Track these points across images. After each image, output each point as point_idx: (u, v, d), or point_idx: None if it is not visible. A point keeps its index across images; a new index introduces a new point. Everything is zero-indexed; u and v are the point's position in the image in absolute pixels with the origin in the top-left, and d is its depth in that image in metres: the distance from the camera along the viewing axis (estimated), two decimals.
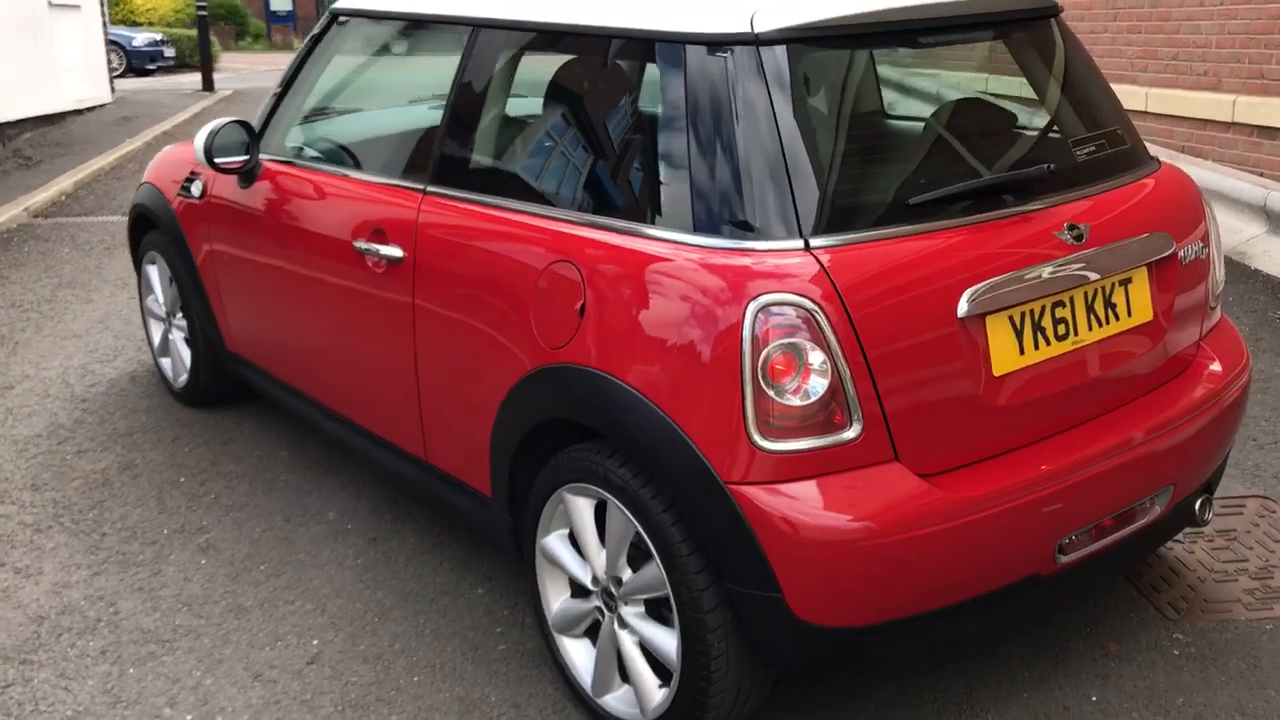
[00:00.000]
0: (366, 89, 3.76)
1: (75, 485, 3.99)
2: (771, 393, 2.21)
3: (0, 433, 4.44)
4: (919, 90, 2.95)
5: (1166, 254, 2.70)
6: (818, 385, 2.22)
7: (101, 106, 13.57)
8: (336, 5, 3.65)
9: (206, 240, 4.08)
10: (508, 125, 2.95)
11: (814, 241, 2.28)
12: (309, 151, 3.62)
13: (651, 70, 2.54)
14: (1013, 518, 2.37)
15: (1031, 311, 2.45)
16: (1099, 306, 2.58)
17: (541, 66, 2.90)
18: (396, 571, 3.40)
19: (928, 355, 2.31)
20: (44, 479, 4.05)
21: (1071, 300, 2.53)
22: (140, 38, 23.84)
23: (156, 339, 4.76)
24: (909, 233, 2.35)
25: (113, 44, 19.06)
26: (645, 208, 2.48)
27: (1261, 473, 3.94)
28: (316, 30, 3.68)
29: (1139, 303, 2.67)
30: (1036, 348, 2.46)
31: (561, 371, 2.53)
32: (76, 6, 12.87)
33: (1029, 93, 2.85)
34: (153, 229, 4.48)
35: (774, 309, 2.20)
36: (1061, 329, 2.51)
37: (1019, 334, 2.43)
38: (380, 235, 3.09)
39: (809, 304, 2.20)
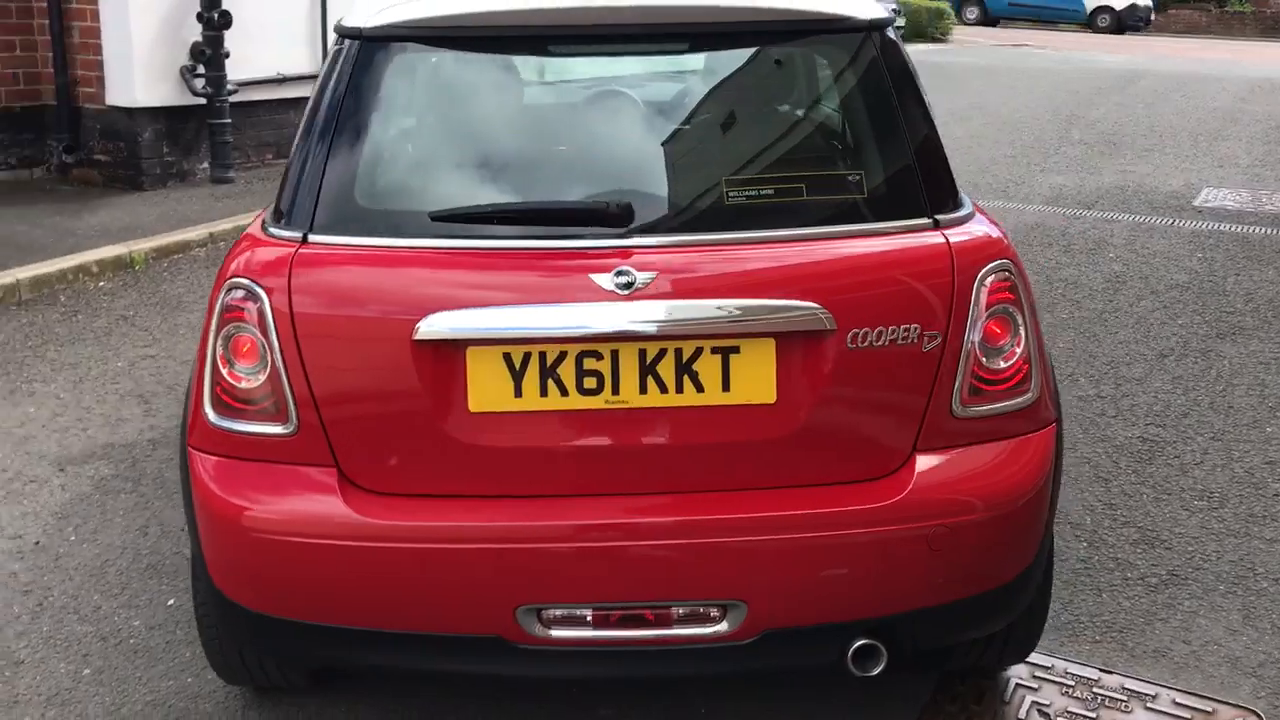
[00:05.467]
0: None
1: None
2: (225, 371, 2.32)
3: None
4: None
5: (806, 331, 2.21)
6: (258, 374, 2.28)
7: None
8: None
9: None
10: None
11: (314, 238, 2.31)
12: None
13: None
14: (443, 561, 2.22)
15: (542, 354, 2.21)
16: (666, 371, 2.22)
17: None
18: None
19: (375, 373, 2.24)
20: None
21: (615, 355, 2.21)
22: None
23: None
24: (412, 246, 2.27)
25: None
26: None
27: None
28: None
29: (750, 379, 2.23)
30: (544, 395, 2.22)
31: None
32: None
33: (740, 118, 2.43)
34: None
35: (236, 292, 2.30)
36: (590, 382, 2.22)
37: (517, 375, 2.22)
38: None
39: (260, 292, 2.26)
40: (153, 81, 7.46)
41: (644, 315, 2.19)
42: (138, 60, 7.37)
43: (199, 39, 7.50)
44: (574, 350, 2.21)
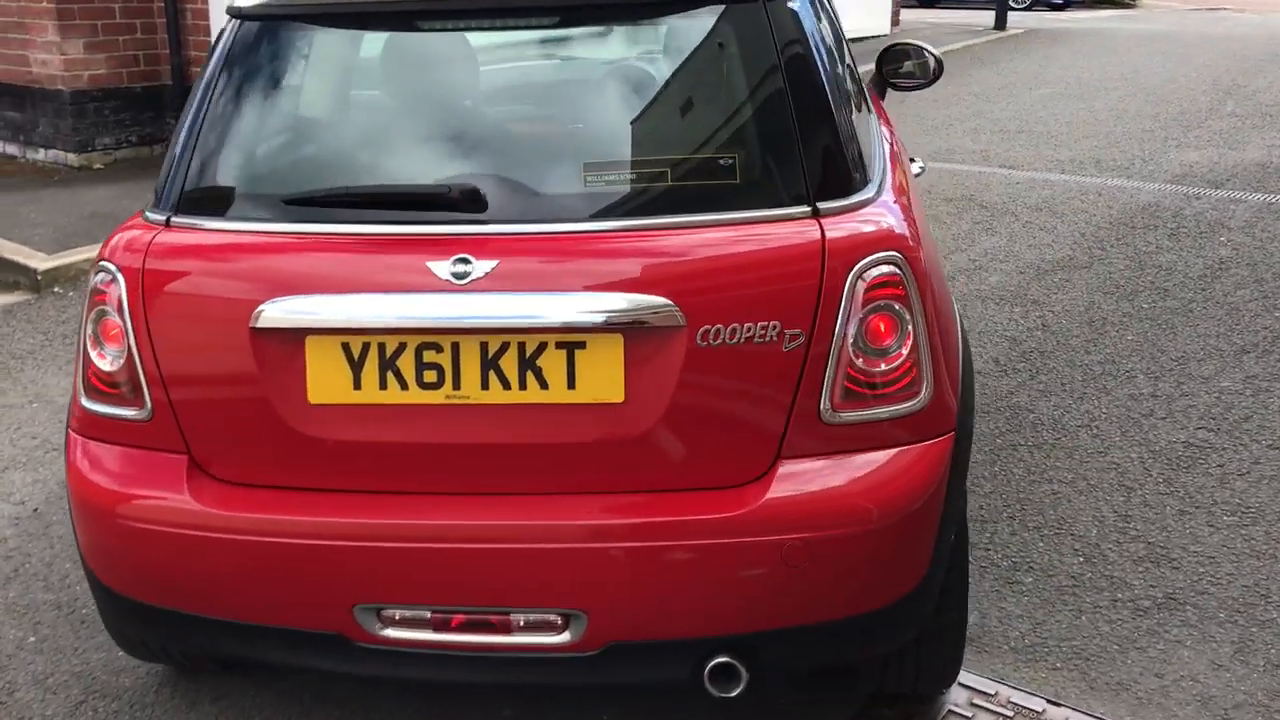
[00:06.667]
0: None
1: None
2: (94, 354, 2.32)
3: None
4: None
5: (655, 326, 2.06)
6: (120, 357, 2.27)
7: (876, 38, 14.32)
8: None
9: None
10: None
11: (176, 221, 2.28)
12: None
13: None
14: (278, 555, 2.17)
15: (381, 345, 2.13)
16: (509, 366, 2.10)
17: None
18: None
19: (218, 360, 2.20)
20: None
21: (456, 348, 2.11)
22: None
23: None
24: (259, 230, 2.22)
25: None
26: None
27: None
28: None
29: (596, 377, 2.09)
30: (384, 388, 2.14)
31: None
32: None
33: (609, 97, 2.27)
34: None
35: (102, 275, 2.30)
36: (430, 376, 2.13)
37: (356, 366, 2.14)
38: None
39: (117, 273, 2.25)
40: None
41: (480, 307, 2.08)
42: None
43: None
44: (413, 342, 2.12)
